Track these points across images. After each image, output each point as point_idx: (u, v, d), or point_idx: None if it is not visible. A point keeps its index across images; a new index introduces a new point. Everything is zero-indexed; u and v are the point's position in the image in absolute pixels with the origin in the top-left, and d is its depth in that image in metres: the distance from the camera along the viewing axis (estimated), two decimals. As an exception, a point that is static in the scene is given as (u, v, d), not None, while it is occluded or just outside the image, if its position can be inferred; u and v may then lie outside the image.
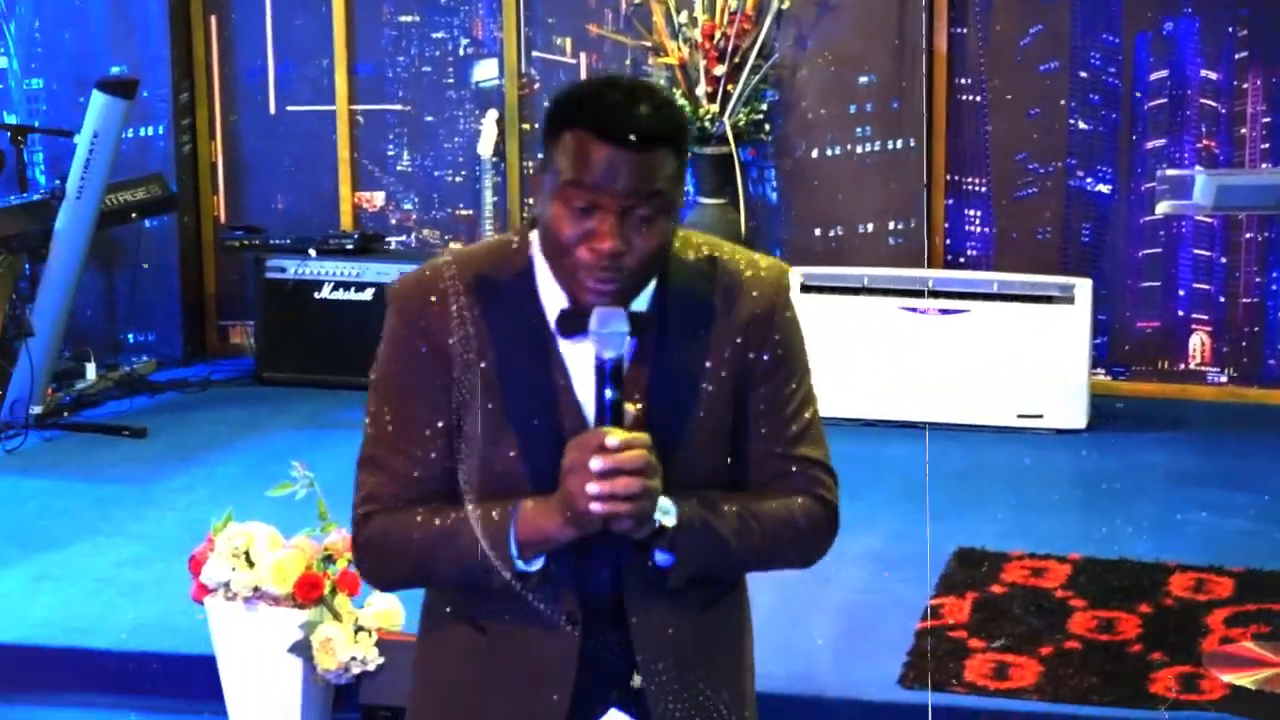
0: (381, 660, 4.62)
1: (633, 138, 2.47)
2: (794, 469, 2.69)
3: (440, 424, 2.61)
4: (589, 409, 2.57)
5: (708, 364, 2.64)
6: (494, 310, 2.60)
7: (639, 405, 2.57)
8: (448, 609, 2.72)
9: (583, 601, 2.63)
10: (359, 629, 4.63)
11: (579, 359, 2.59)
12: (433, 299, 2.62)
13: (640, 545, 2.58)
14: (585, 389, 2.58)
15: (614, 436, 2.48)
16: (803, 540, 2.73)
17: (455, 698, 2.72)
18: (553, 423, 2.59)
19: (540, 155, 2.60)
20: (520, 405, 2.59)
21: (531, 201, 8.49)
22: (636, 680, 2.65)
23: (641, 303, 2.60)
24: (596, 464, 2.47)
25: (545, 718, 2.65)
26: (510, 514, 2.55)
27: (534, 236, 2.63)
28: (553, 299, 2.61)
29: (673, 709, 2.67)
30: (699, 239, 2.68)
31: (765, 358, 2.66)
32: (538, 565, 2.57)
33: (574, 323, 2.57)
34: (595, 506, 2.48)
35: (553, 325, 2.60)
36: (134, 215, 8.17)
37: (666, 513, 2.56)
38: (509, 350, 2.59)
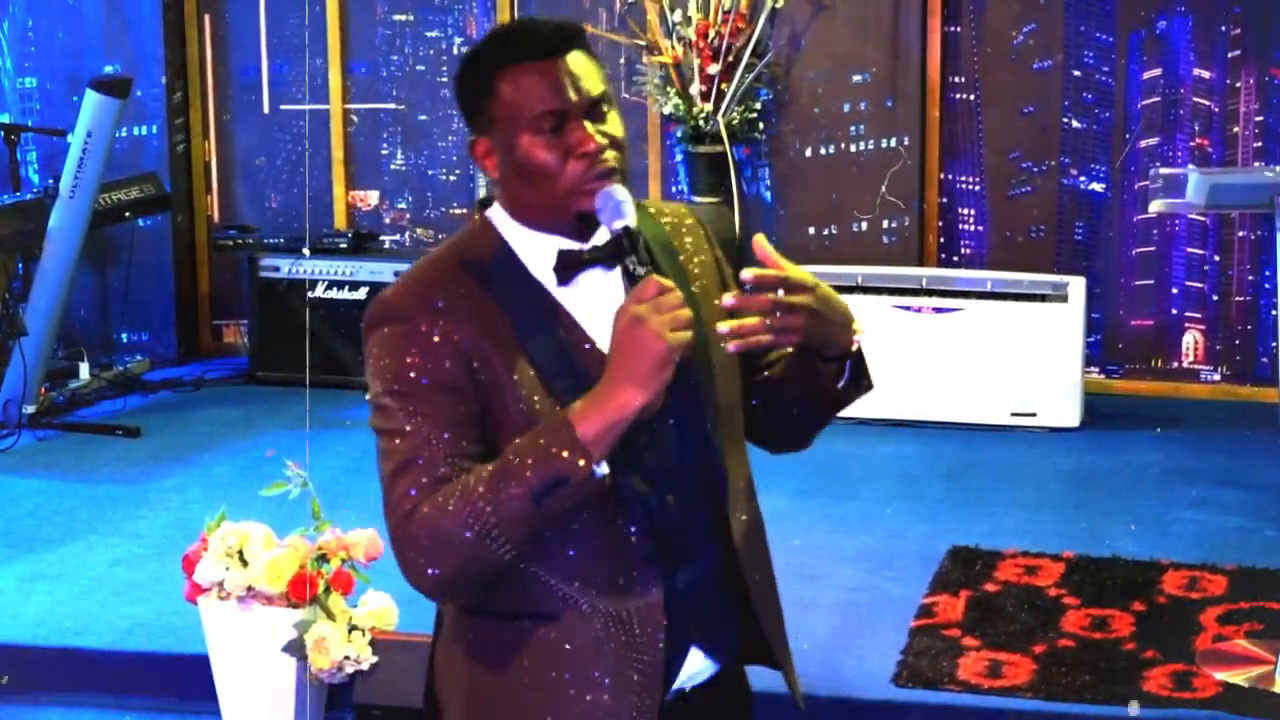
0: (375, 659, 4.62)
1: (554, 46, 2.60)
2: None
3: (470, 413, 2.58)
4: (600, 341, 2.60)
5: (704, 285, 2.74)
6: (489, 286, 2.62)
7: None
8: (498, 616, 2.65)
9: (655, 541, 2.63)
10: (353, 628, 4.63)
11: (577, 300, 2.64)
12: (432, 296, 2.61)
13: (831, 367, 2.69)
14: (591, 324, 2.62)
15: (664, 280, 2.53)
16: None
17: (542, 691, 2.65)
18: (576, 370, 2.60)
19: (476, 133, 2.66)
20: (544, 367, 2.59)
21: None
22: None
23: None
24: (674, 299, 2.50)
25: (644, 672, 2.64)
26: (562, 420, 2.51)
27: (493, 214, 2.69)
28: (535, 256, 2.64)
29: (770, 619, 2.76)
30: None
31: (726, 270, 2.81)
32: (605, 469, 2.52)
33: (571, 264, 2.62)
34: (681, 336, 2.48)
35: (544, 281, 2.63)
36: (127, 214, 8.18)
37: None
38: (516, 316, 2.61)
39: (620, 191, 2.59)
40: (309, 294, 8.20)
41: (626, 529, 2.61)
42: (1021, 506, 6.44)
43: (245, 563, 4.67)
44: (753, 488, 2.78)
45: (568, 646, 2.63)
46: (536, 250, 2.65)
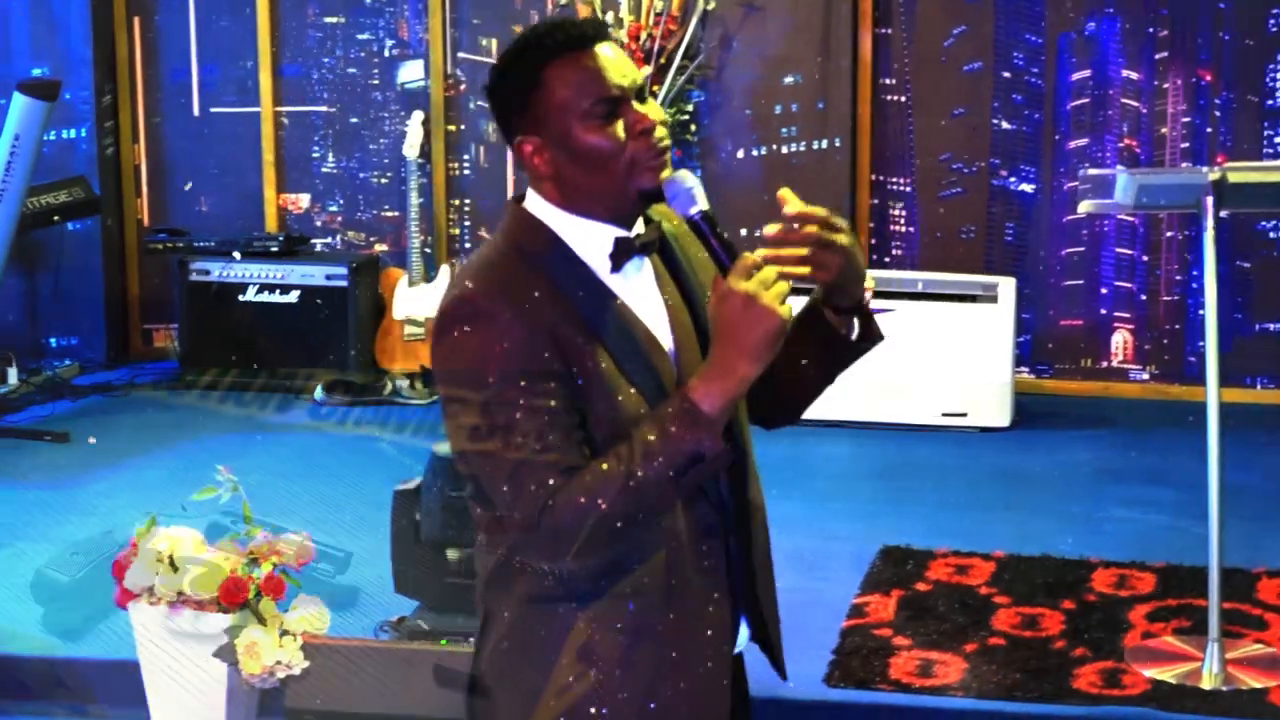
0: (307, 664, 4.61)
1: (594, 33, 2.66)
2: None
3: (570, 397, 2.62)
4: (652, 326, 2.70)
5: (700, 284, 2.82)
6: (555, 280, 2.66)
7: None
8: (566, 601, 2.70)
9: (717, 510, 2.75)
10: (284, 633, 4.61)
11: (629, 289, 2.71)
12: (511, 288, 2.64)
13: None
14: (643, 310, 2.71)
15: (755, 256, 2.62)
16: None
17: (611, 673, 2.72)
18: (640, 352, 2.68)
19: (520, 134, 2.69)
20: (615, 350, 2.65)
21: (458, 201, 8.48)
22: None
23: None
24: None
25: (718, 632, 2.77)
26: (685, 402, 2.58)
27: (535, 208, 2.72)
28: (588, 247, 2.70)
29: (769, 596, 2.91)
30: None
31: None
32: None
33: (625, 250, 2.70)
34: (788, 308, 2.59)
35: (597, 271, 2.69)
36: (56, 218, 8.12)
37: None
38: (585, 308, 2.66)
39: (689, 179, 2.68)
40: (240, 297, 8.17)
41: (699, 504, 2.70)
42: (953, 506, 6.47)
43: (175, 568, 4.64)
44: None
45: (641, 624, 2.69)
46: (588, 239, 2.70)
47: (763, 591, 2.87)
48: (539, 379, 2.59)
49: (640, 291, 2.73)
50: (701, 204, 2.68)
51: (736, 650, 2.85)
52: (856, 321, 2.81)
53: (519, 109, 2.67)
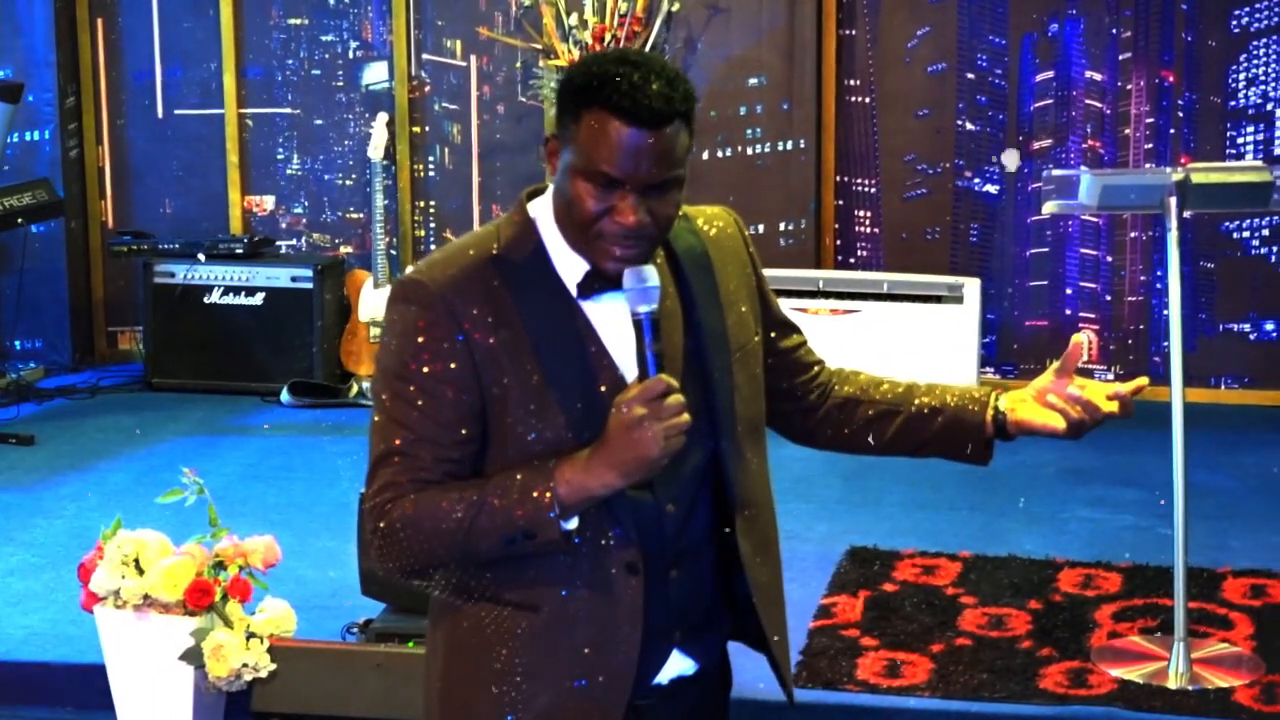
0: (274, 667, 4.60)
1: (650, 118, 2.60)
2: (814, 352, 3.03)
3: (466, 406, 2.64)
4: (619, 359, 2.69)
5: (734, 299, 2.82)
6: (516, 287, 2.67)
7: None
8: (477, 598, 2.72)
9: (644, 547, 2.70)
10: (250, 635, 4.60)
11: (602, 316, 2.70)
12: (458, 289, 2.65)
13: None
14: (613, 341, 2.70)
15: (672, 381, 2.60)
16: None
17: (511, 683, 2.72)
18: (588, 379, 2.67)
19: (557, 130, 2.69)
20: (555, 370, 2.66)
21: (422, 203, 8.47)
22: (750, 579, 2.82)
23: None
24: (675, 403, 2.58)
25: (614, 674, 2.71)
26: (548, 478, 2.60)
27: (537, 209, 2.73)
28: (568, 265, 2.70)
29: (771, 619, 2.85)
30: None
31: (760, 273, 2.92)
32: (574, 524, 2.62)
33: (595, 284, 2.69)
34: (675, 442, 2.58)
35: (572, 290, 2.69)
36: (20, 221, 8.08)
37: None
38: (536, 322, 2.66)
39: (652, 276, 2.64)
40: (205, 299, 8.15)
41: (611, 533, 2.68)
42: (919, 506, 6.48)
43: (141, 571, 4.63)
44: (768, 490, 2.88)
45: (542, 639, 2.69)
46: (567, 259, 2.70)
47: (767, 615, 2.84)
48: (438, 384, 2.63)
49: (620, 319, 2.69)
50: (652, 305, 2.64)
51: (662, 681, 2.79)
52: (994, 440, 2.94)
53: (561, 116, 2.66)
